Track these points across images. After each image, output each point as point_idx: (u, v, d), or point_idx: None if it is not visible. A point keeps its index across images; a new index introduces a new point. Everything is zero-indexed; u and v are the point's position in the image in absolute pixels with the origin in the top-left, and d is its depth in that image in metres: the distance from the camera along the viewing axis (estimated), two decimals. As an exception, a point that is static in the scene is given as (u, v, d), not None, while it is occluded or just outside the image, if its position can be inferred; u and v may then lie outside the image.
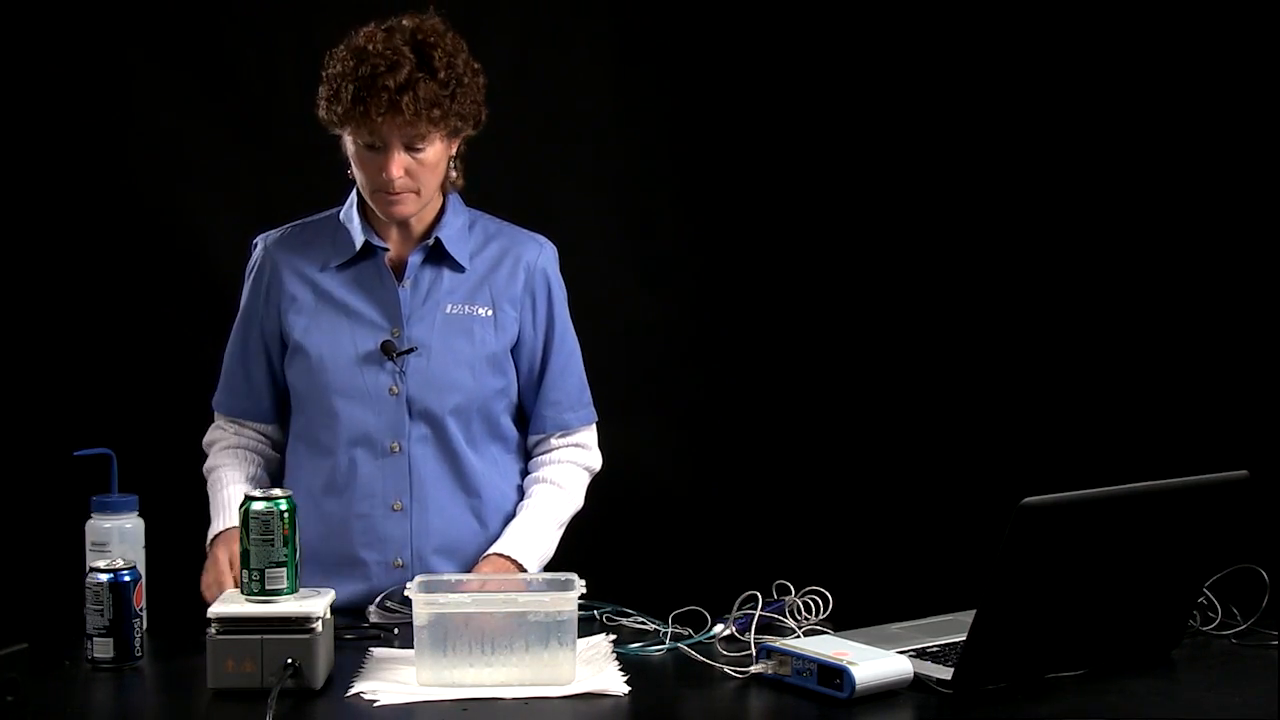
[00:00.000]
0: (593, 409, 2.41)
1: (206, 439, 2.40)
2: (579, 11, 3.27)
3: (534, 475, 2.37)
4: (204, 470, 2.37)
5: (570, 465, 2.38)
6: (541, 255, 2.36)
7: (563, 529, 2.35)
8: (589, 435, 2.41)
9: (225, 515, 2.24)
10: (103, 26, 3.11)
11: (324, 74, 2.20)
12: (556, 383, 2.36)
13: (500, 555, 2.24)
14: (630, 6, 3.30)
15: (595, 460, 2.41)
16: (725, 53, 3.30)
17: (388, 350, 2.26)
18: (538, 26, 3.24)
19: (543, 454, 2.39)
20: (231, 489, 2.28)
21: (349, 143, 2.22)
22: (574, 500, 2.37)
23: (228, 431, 2.37)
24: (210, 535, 2.25)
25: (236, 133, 3.15)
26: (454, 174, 2.30)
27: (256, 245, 2.36)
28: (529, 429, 2.39)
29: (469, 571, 2.24)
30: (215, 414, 2.39)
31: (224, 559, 2.17)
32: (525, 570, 2.24)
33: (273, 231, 2.36)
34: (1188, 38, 3.18)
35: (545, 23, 3.25)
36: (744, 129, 3.31)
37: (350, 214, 2.32)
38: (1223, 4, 3.16)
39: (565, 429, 2.38)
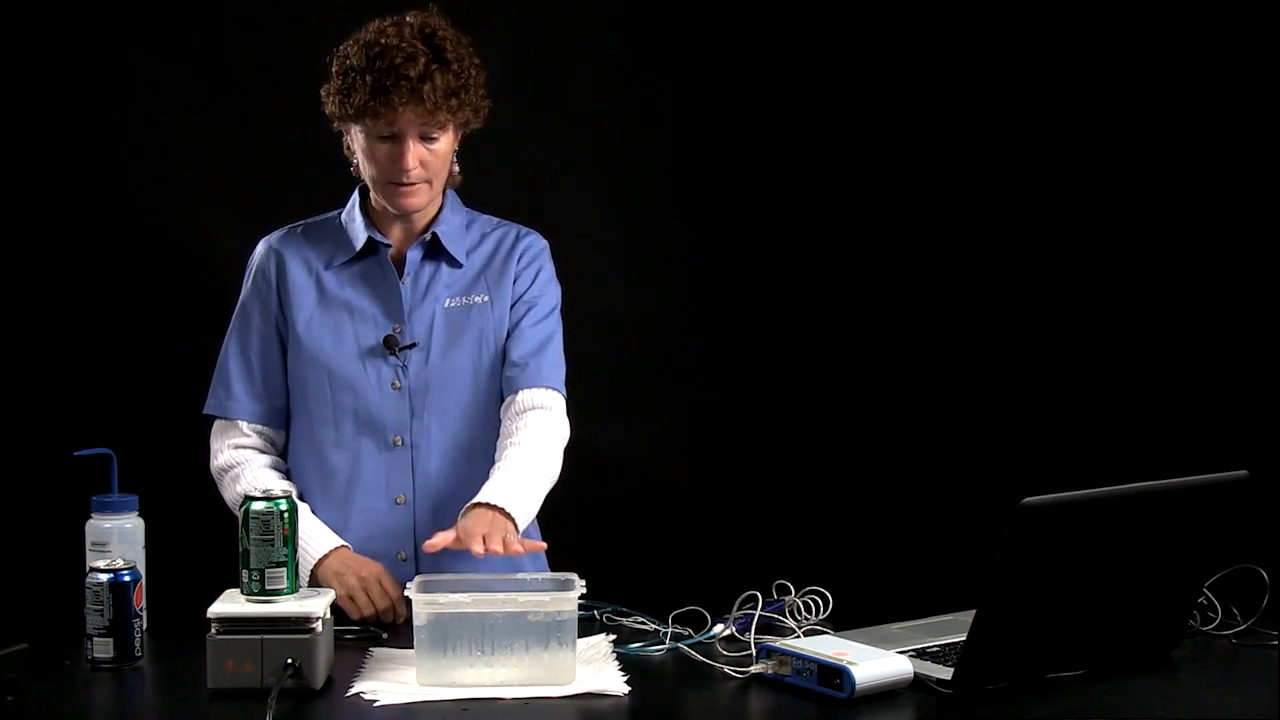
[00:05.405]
0: (563, 385, 2.33)
1: (224, 460, 2.30)
2: (579, 10, 3.28)
3: (507, 441, 2.26)
4: (241, 492, 2.20)
5: (542, 433, 2.27)
6: (535, 242, 2.39)
7: (544, 487, 2.25)
8: (555, 400, 2.31)
9: (323, 535, 2.23)
10: (102, 26, 3.11)
11: (333, 69, 2.22)
12: (526, 345, 2.31)
13: (488, 505, 2.13)
14: (630, 5, 3.30)
15: (565, 426, 2.32)
16: (726, 51, 3.30)
17: (390, 345, 2.27)
18: (537, 25, 3.24)
19: (510, 419, 2.29)
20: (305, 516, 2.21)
21: (359, 137, 2.23)
22: (551, 462, 2.27)
23: (251, 439, 2.31)
24: (315, 560, 2.21)
25: (236, 133, 3.16)
26: (455, 169, 2.32)
27: (259, 245, 2.37)
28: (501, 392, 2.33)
29: (456, 528, 2.10)
30: (230, 424, 2.31)
31: (354, 582, 2.17)
32: (513, 519, 2.13)
33: (275, 231, 2.37)
34: (1188, 38, 3.18)
35: (545, 21, 3.25)
36: (744, 128, 3.31)
37: (352, 214, 2.33)
38: (1223, 4, 3.16)
39: (531, 385, 2.29)
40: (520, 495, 2.17)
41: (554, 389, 2.33)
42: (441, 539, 2.04)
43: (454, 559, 2.24)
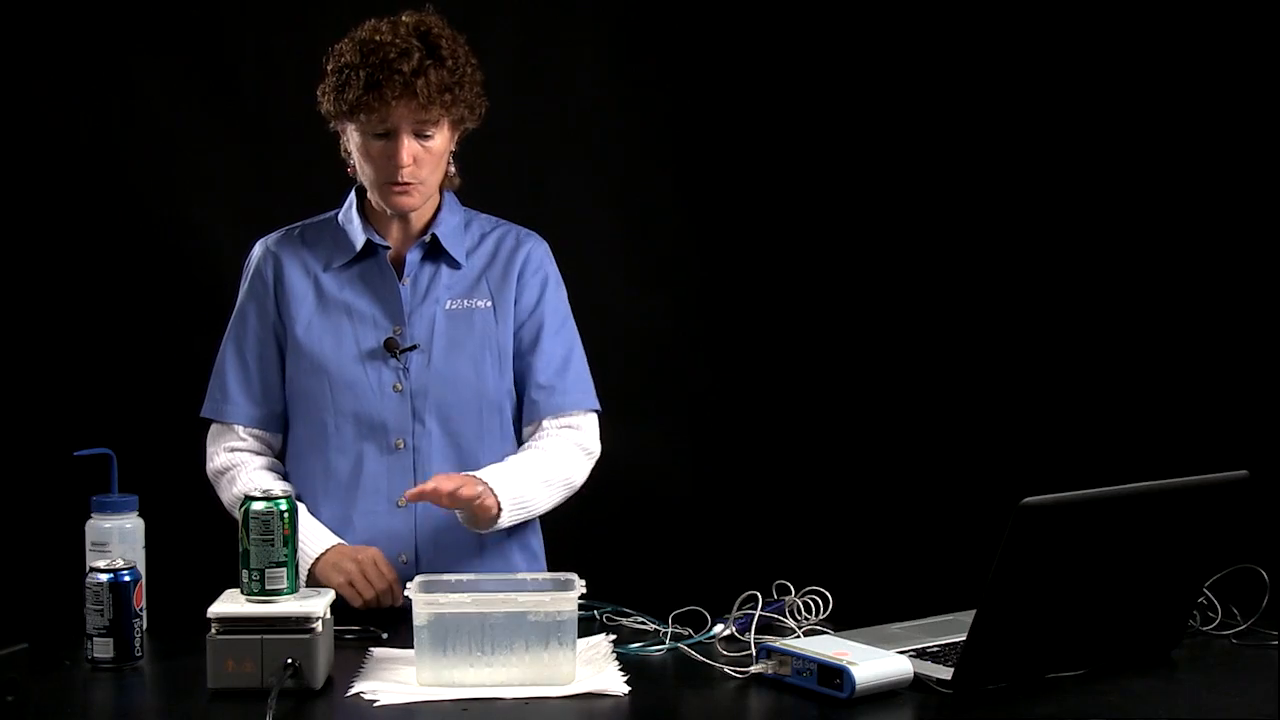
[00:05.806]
0: (594, 399, 2.36)
1: (220, 463, 2.31)
2: (579, 10, 3.28)
3: (524, 446, 2.31)
4: (238, 494, 2.20)
5: (562, 441, 2.31)
6: (535, 247, 2.37)
7: (552, 489, 2.28)
8: (585, 420, 2.35)
9: (320, 534, 2.24)
10: (103, 26, 3.11)
11: (328, 68, 2.23)
12: (548, 366, 2.32)
13: (473, 476, 2.16)
14: (630, 5, 3.30)
15: (593, 443, 2.35)
16: (725, 51, 3.30)
17: (390, 347, 2.27)
18: (537, 25, 3.24)
19: (534, 436, 2.33)
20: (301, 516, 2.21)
21: (354, 135, 2.23)
22: (563, 465, 2.30)
23: (248, 442, 2.32)
24: (314, 557, 2.22)
25: (236, 133, 3.16)
26: (452, 170, 2.31)
27: (255, 248, 2.37)
28: (524, 419, 2.34)
29: (432, 486, 2.11)
30: (226, 427, 2.32)
31: (351, 567, 2.19)
32: (496, 496, 2.16)
33: (271, 234, 2.37)
34: (1188, 38, 3.18)
35: (545, 21, 3.25)
36: (744, 128, 3.31)
37: (349, 215, 2.33)
38: (1223, 4, 3.16)
39: (558, 412, 2.32)
40: (510, 480, 2.19)
41: (583, 411, 2.34)
42: (418, 488, 2.10)
43: (454, 560, 2.26)
